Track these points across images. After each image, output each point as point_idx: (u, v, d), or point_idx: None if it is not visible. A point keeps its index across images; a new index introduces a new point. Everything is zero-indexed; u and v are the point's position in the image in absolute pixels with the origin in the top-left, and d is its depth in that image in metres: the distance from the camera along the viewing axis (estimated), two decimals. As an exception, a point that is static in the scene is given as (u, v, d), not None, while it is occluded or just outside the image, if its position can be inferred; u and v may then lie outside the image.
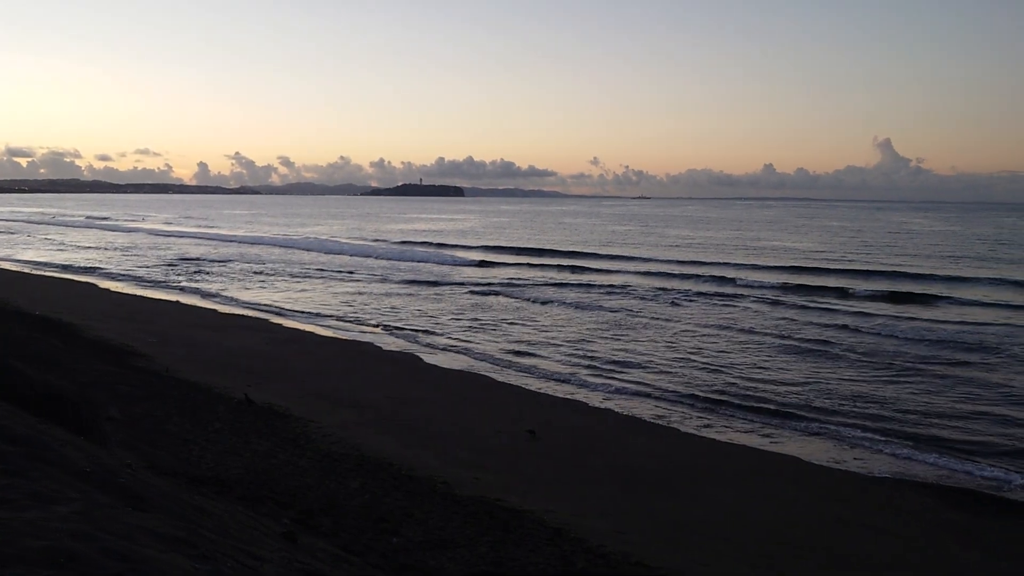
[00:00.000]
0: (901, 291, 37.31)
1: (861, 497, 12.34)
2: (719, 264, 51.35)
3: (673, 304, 33.69)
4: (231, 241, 72.29)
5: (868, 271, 46.67)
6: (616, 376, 20.35)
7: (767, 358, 22.41)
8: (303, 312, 30.35)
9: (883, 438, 15.45)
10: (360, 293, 36.38)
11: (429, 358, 21.98)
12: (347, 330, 26.58)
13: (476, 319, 29.15)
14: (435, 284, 40.37)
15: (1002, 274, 44.82)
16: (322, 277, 42.96)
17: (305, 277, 42.91)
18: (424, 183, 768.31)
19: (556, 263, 51.77)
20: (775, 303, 33.99)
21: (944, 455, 14.50)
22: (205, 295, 34.83)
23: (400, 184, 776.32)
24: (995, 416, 16.89)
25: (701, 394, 18.62)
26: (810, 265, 49.76)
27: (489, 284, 40.16)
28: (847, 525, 10.91)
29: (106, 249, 59.47)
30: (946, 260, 56.26)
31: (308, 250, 62.30)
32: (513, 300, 34.35)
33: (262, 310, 30.64)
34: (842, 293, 37.02)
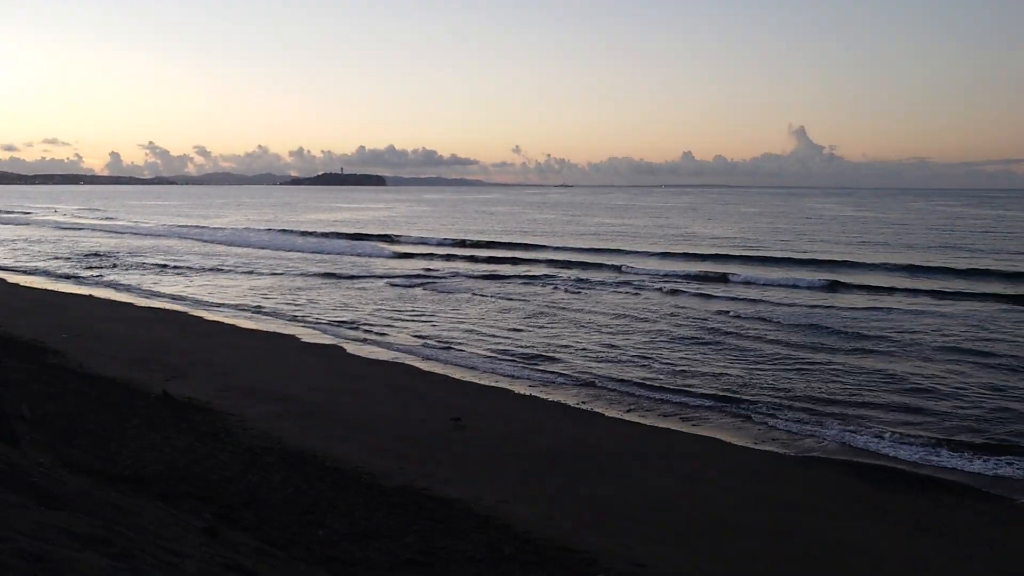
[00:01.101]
0: (814, 278, 38.18)
1: (781, 476, 12.67)
2: (640, 253, 51.95)
3: (574, 291, 34.02)
4: (146, 233, 70.46)
5: (782, 258, 47.57)
6: (539, 364, 20.49)
7: (682, 345, 22.80)
8: (222, 305, 29.79)
9: (800, 419, 15.88)
10: (280, 285, 35.85)
11: (353, 349, 21.79)
12: (268, 322, 26.17)
13: (399, 310, 29.01)
14: (357, 275, 39.95)
15: (911, 260, 46.35)
16: (241, 269, 42.19)
17: (224, 269, 42.10)
18: (345, 172, 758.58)
19: (478, 254, 51.32)
20: (695, 293, 34.44)
21: (857, 434, 14.97)
22: (120, 288, 33.94)
23: (321, 173, 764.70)
24: (902, 397, 17.48)
25: (623, 380, 18.86)
26: (723, 252, 50.54)
27: (412, 275, 39.95)
28: (767, 503, 11.18)
29: (14, 243, 57.33)
30: (856, 246, 57.86)
31: (226, 242, 61.02)
32: (436, 291, 34.21)
33: (180, 303, 30.00)
34: (752, 279, 37.64)
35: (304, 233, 69.01)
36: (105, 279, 37.16)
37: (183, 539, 5.75)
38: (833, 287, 34.78)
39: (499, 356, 21.38)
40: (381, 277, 38.94)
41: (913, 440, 14.53)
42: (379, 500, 9.31)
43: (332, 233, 68.88)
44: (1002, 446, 14.22)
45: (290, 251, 53.75)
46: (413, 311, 28.57)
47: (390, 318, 27.03)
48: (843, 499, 11.70)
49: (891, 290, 33.51)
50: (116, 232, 71.92)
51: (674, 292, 33.55)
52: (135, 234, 69.22)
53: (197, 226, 79.78)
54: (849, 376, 18.94)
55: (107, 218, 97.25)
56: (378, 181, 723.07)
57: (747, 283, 36.25)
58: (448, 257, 49.50)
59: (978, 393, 17.42)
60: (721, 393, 17.66)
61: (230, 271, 41.32)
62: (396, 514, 8.78)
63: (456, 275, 39.95)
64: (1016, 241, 61.04)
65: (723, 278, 37.80)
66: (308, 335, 23.76)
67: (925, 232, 71.57)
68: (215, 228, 76.32)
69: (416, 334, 24.24)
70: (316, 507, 8.73)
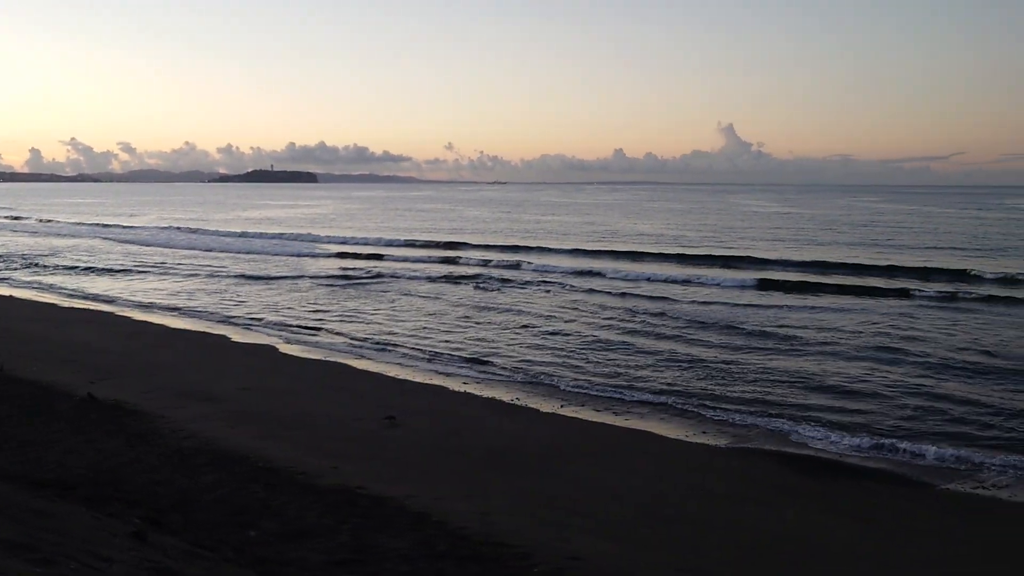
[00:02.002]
0: (744, 276, 38.88)
1: (714, 467, 12.89)
2: (567, 251, 52.30)
3: (492, 289, 34.08)
4: (68, 234, 68.47)
5: (711, 255, 48.29)
6: (473, 361, 20.51)
7: (612, 342, 23.00)
8: (150, 305, 29.22)
9: (731, 412, 16.16)
10: (210, 284, 35.24)
11: (285, 348, 21.55)
12: (198, 322, 25.72)
13: (332, 309, 28.77)
14: (288, 275, 39.46)
15: (836, 256, 47.48)
16: (169, 269, 41.39)
17: (151, 269, 41.24)
18: (275, 169, 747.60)
19: (410, 254, 50.82)
20: (622, 292, 34.77)
21: (787, 425, 15.31)
22: (42, 289, 32.99)
23: (250, 170, 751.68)
24: (829, 391, 17.89)
25: (556, 376, 18.98)
26: (653, 251, 51.12)
27: (343, 274, 39.59)
28: (702, 494, 11.36)
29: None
30: (783, 242, 59.07)
31: (153, 242, 59.64)
32: (367, 289, 33.97)
33: (105, 303, 29.30)
34: (678, 278, 37.99)
35: (234, 233, 67.56)
36: (26, 279, 36.11)
37: (110, 544, 5.63)
38: (762, 285, 35.28)
39: (432, 354, 21.34)
40: (312, 276, 38.49)
41: (841, 431, 14.90)
42: (312, 499, 9.22)
43: (262, 233, 67.27)
44: (924, 436, 14.66)
45: (220, 251, 52.65)
46: (345, 310, 28.35)
47: (323, 317, 26.79)
48: (775, 489, 11.94)
49: (817, 287, 34.04)
50: (36, 232, 69.85)
51: (602, 291, 33.74)
52: (57, 234, 67.23)
53: (122, 225, 77.89)
54: (777, 371, 19.31)
55: (22, 217, 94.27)
56: (309, 178, 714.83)
57: (681, 281, 36.31)
58: (380, 256, 48.92)
59: (900, 387, 17.89)
60: (653, 388, 17.88)
61: (158, 271, 40.50)
62: (330, 513, 8.70)
63: (388, 274, 39.61)
64: (933, 236, 62.97)
65: (648, 278, 37.91)
66: (239, 335, 23.41)
67: (851, 229, 73.39)
68: (141, 227, 74.64)
69: (349, 333, 24.06)
70: (248, 508, 8.61)
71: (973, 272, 36.89)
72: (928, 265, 40.55)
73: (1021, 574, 9.27)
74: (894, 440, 14.36)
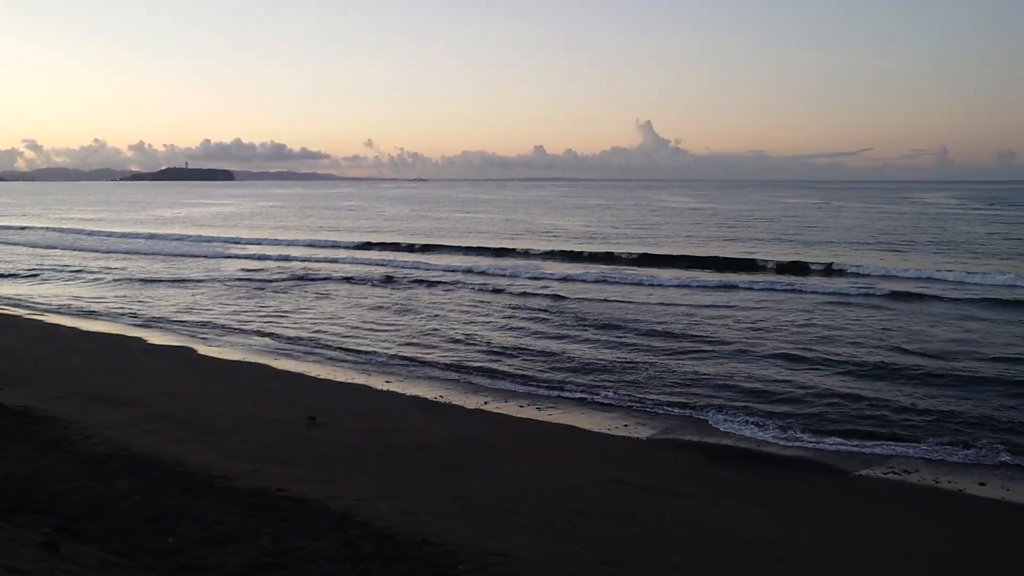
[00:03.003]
0: (668, 275, 39.38)
1: (636, 460, 13.06)
2: (502, 250, 52.41)
3: (408, 288, 34.02)
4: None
5: (631, 253, 48.86)
6: (394, 360, 20.43)
7: (531, 338, 23.21)
8: (61, 307, 28.29)
9: (651, 404, 16.44)
10: (124, 287, 34.33)
11: (203, 350, 21.11)
12: (111, 325, 25.01)
13: (249, 309, 28.32)
14: (204, 276, 38.66)
15: (751, 252, 48.41)
16: (79, 271, 40.18)
17: (60, 271, 39.95)
18: (190, 167, 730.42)
19: (328, 254, 49.84)
20: (539, 291, 35.01)
21: (706, 417, 15.62)
22: (-60, 292, 31.71)
23: (164, 168, 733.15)
24: (747, 383, 18.32)
25: (478, 373, 19.03)
26: (567, 248, 51.61)
27: (261, 274, 39.03)
28: (624, 487, 11.49)
29: None
30: (700, 239, 60.14)
31: (61, 244, 57.81)
32: (286, 290, 33.50)
33: (12, 306, 28.28)
34: (605, 275, 38.50)
35: (145, 235, 65.41)
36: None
37: (19, 555, 5.44)
38: (681, 280, 35.85)
39: (354, 353, 21.19)
40: (229, 277, 37.80)
41: (760, 421, 15.28)
42: (232, 503, 9.04)
43: (176, 234, 64.74)
44: (838, 425, 15.14)
45: (133, 252, 51.21)
46: (264, 311, 27.92)
47: (241, 318, 26.35)
48: (696, 479, 12.16)
49: (730, 286, 34.65)
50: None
51: (521, 290, 33.90)
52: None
53: (29, 227, 75.16)
54: (695, 364, 19.70)
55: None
56: (225, 176, 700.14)
57: (597, 280, 36.39)
58: (298, 256, 47.92)
59: (813, 379, 18.42)
60: (576, 383, 18.06)
61: (67, 273, 39.24)
62: (250, 517, 8.54)
63: (306, 274, 39.12)
64: (838, 232, 64.84)
65: (566, 277, 38.07)
66: (155, 337, 22.85)
67: (766, 223, 75.14)
68: (48, 228, 72.19)
69: (268, 333, 23.71)
70: (165, 514, 8.41)
71: (865, 271, 37.58)
72: (834, 259, 41.71)
73: (927, 554, 9.60)
74: (810, 429, 14.80)
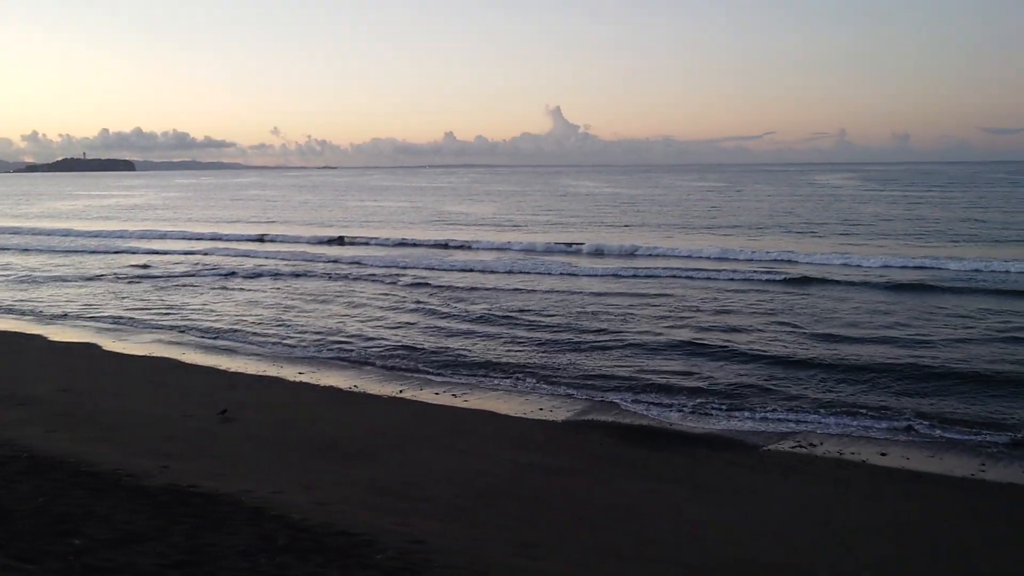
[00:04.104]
0: (581, 264, 39.62)
1: (550, 442, 13.20)
2: (411, 239, 52.11)
3: (316, 278, 33.74)
4: None
5: (548, 240, 49.10)
6: (306, 350, 20.20)
7: (445, 324, 23.29)
8: (-49, 305, 27.08)
9: (565, 387, 16.65)
10: (18, 283, 33.05)
11: (109, 346, 20.50)
12: (8, 321, 24.10)
13: (156, 304, 27.63)
14: (105, 270, 37.56)
15: (667, 237, 49.14)
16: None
17: (-49, 266, 38.25)
18: (88, 158, 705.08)
19: (231, 246, 48.42)
20: (443, 284, 34.99)
21: (618, 398, 15.88)
22: None
23: (60, 159, 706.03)
24: (657, 364, 18.70)
25: (391, 361, 18.97)
26: (477, 235, 51.63)
27: (165, 266, 38.10)
28: (540, 470, 11.62)
29: None
30: (607, 225, 60.87)
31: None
32: (192, 282, 32.78)
33: (-101, 306, 26.98)
34: (515, 264, 38.70)
35: (45, 231, 62.32)
36: None
37: (-86, 564, 5.21)
38: (590, 258, 36.14)
39: (265, 345, 20.87)
40: (132, 271, 36.71)
41: (670, 402, 15.62)
42: (142, 502, 8.82)
43: (73, 230, 61.28)
44: (748, 400, 15.62)
45: (29, 249, 49.03)
46: (169, 304, 27.26)
47: (147, 313, 25.69)
48: (608, 460, 12.37)
49: (637, 268, 35.19)
50: None
51: (432, 278, 33.86)
52: None
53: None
54: (604, 348, 19.98)
55: None
56: (126, 166, 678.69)
57: (506, 271, 35.76)
58: (203, 249, 46.52)
59: (720, 360, 18.86)
60: (491, 368, 18.14)
61: (-41, 268, 37.60)
62: (161, 515, 8.35)
63: (211, 266, 38.30)
64: (735, 216, 66.43)
65: (478, 266, 37.92)
66: (57, 334, 22.07)
67: (673, 207, 76.46)
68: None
69: (175, 327, 23.17)
70: (71, 515, 8.15)
71: (767, 255, 38.21)
72: (739, 242, 42.68)
73: (820, 520, 9.96)
74: (721, 408, 15.19)
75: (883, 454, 12.89)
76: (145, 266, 37.80)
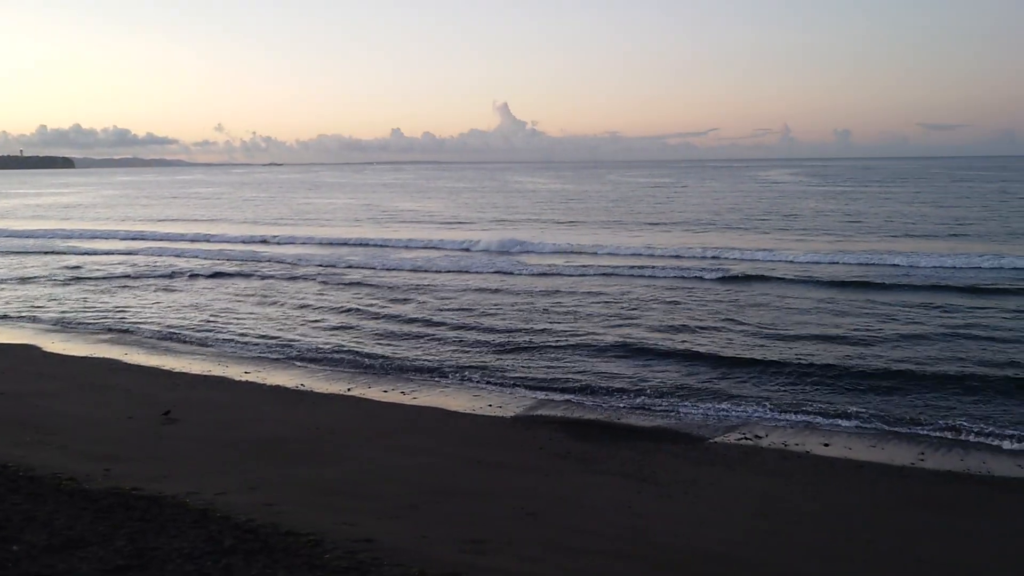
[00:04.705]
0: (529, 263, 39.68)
1: (498, 438, 13.26)
2: (353, 238, 51.80)
3: (259, 277, 33.46)
4: None
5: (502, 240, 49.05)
6: (254, 349, 20.02)
7: (392, 322, 23.26)
8: None
9: (509, 383, 16.77)
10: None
11: (49, 347, 20.07)
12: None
13: (98, 304, 27.12)
14: (43, 271, 36.70)
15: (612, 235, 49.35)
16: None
17: None
18: (26, 155, 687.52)
19: (173, 246, 47.12)
20: (397, 280, 34.88)
21: (568, 393, 16.00)
22: None
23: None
24: (598, 357, 18.87)
25: (337, 360, 18.89)
26: (421, 233, 51.43)
27: (107, 267, 37.37)
28: (486, 466, 11.65)
29: None
30: (554, 223, 61.12)
31: None
32: (133, 282, 32.24)
33: None
34: (466, 266, 38.67)
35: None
36: None
37: None
38: (535, 255, 36.19)
39: (210, 344, 20.60)
40: (71, 271, 35.93)
41: (619, 396, 15.78)
42: (84, 506, 8.68)
43: (10, 229, 59.36)
44: (695, 394, 15.86)
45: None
46: (111, 305, 26.79)
47: (88, 314, 25.21)
48: (557, 455, 12.44)
49: (585, 266, 35.40)
50: None
51: (379, 276, 33.71)
52: None
53: None
54: (551, 346, 20.08)
55: None
56: (66, 164, 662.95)
57: (455, 270, 35.46)
58: (146, 249, 45.46)
59: (666, 349, 19.16)
60: (436, 365, 18.14)
61: None
62: (103, 519, 8.22)
63: (155, 265, 37.76)
64: (680, 212, 67.15)
65: (422, 266, 38.09)
66: (-8, 336, 21.56)
67: (620, 203, 77.02)
68: None
69: (117, 328, 22.76)
70: (9, 522, 7.99)
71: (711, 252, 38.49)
72: (686, 240, 43.10)
73: (759, 510, 10.14)
74: (667, 400, 15.40)
75: (826, 444, 13.17)
76: (78, 267, 37.02)
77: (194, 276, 33.54)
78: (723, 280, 30.00)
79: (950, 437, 13.36)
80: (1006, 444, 13.04)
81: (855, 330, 20.89)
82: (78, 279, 32.81)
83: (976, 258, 32.95)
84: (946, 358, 17.90)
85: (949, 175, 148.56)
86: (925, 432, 13.63)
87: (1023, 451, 12.78)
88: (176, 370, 17.87)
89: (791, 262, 34.64)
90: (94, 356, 19.08)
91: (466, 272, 34.01)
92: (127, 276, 33.74)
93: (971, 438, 13.31)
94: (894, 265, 32.52)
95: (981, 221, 51.38)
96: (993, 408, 14.67)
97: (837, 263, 33.81)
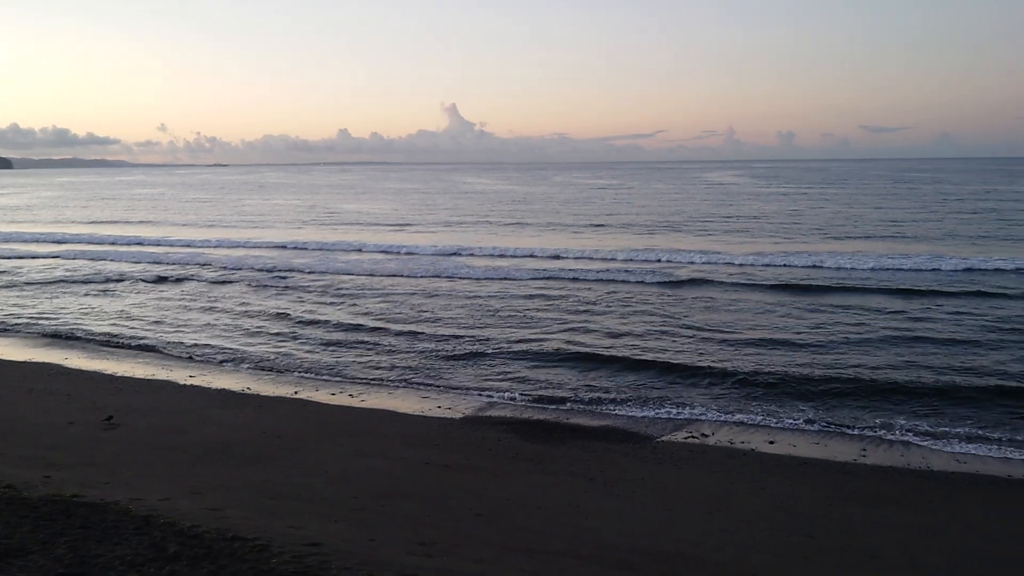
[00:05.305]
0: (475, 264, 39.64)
1: (447, 439, 13.24)
2: (296, 240, 51.31)
3: (204, 281, 33.11)
4: None
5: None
6: (198, 353, 19.73)
7: (341, 325, 23.17)
8: None
9: (459, 386, 16.77)
10: None
11: (-14, 352, 19.59)
12: None
13: (36, 307, 26.51)
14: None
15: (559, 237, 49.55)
16: None
17: None
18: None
19: (110, 249, 46.13)
20: (341, 283, 34.67)
21: (517, 392, 16.05)
22: None
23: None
24: (540, 360, 18.91)
25: (286, 362, 18.70)
26: (364, 237, 51.13)
27: (43, 270, 36.58)
28: (437, 467, 11.62)
29: None
30: (500, 226, 61.16)
31: None
32: (70, 285, 31.58)
33: None
34: (412, 271, 38.54)
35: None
36: None
37: None
38: (482, 259, 36.13)
39: (152, 350, 20.27)
40: (5, 275, 35.08)
41: (568, 396, 15.86)
42: (22, 514, 8.48)
43: None
44: (645, 394, 16.03)
45: None
46: (50, 308, 26.20)
47: (26, 317, 24.63)
48: (505, 456, 12.47)
49: (537, 270, 35.44)
50: None
51: (324, 281, 33.41)
52: None
53: None
54: (494, 348, 20.12)
55: None
56: (3, 165, 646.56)
57: (407, 276, 35.85)
58: (85, 252, 44.21)
59: (615, 358, 19.27)
60: (381, 369, 18.09)
61: None
62: (43, 527, 8.04)
63: (94, 269, 36.96)
64: (626, 216, 67.66)
65: (369, 270, 37.87)
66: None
67: (568, 205, 77.34)
68: None
69: (56, 333, 22.27)
70: (-56, 532, 7.78)
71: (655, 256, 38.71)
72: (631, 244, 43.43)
73: (721, 511, 10.27)
74: (616, 401, 15.53)
75: (771, 442, 13.39)
76: (14, 271, 36.10)
77: (135, 280, 32.92)
78: (668, 284, 30.07)
79: (890, 437, 13.65)
80: (943, 443, 13.37)
81: (798, 333, 21.23)
82: (14, 284, 32.04)
83: (915, 259, 33.73)
84: (885, 360, 18.26)
85: (890, 177, 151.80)
86: (866, 430, 13.94)
87: (962, 450, 13.11)
88: (119, 374, 17.55)
89: (736, 264, 35.04)
90: (33, 361, 18.67)
91: (412, 276, 33.64)
92: (65, 281, 32.99)
93: (910, 437, 13.63)
94: (836, 268, 33.01)
95: (919, 222, 52.56)
96: (932, 408, 15.02)
97: (781, 265, 34.25)
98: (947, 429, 13.88)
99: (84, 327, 22.83)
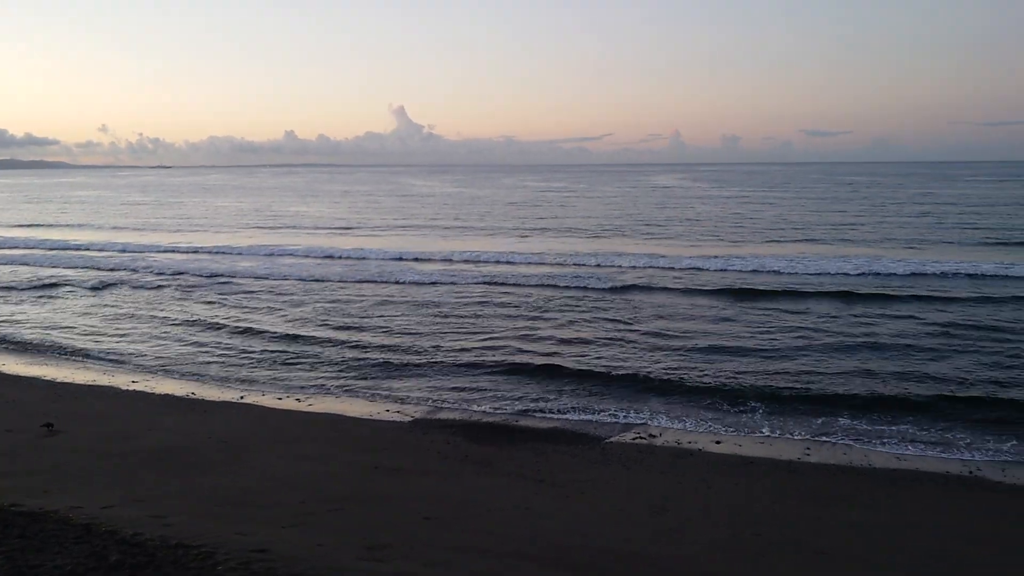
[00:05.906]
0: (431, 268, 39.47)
1: (396, 443, 13.16)
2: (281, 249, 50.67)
3: (149, 287, 32.63)
4: None
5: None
6: (140, 357, 19.36)
7: (287, 329, 23.01)
8: None
9: (408, 391, 16.69)
10: None
11: (-84, 359, 19.00)
12: None
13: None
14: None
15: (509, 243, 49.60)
16: None
17: None
18: None
19: (48, 253, 45.32)
20: (290, 287, 34.37)
21: (467, 395, 16.03)
22: None
23: None
24: (489, 358, 18.91)
25: (230, 366, 18.46)
26: (309, 240, 50.74)
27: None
28: (386, 471, 11.54)
29: None
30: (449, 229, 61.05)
31: None
32: (9, 293, 30.83)
33: None
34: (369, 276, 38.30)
35: None
36: None
37: None
38: (425, 263, 35.98)
39: (94, 355, 19.84)
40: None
41: (517, 398, 15.87)
42: (-43, 525, 8.23)
43: None
44: (595, 396, 16.14)
45: None
46: (-12, 311, 25.52)
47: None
48: (455, 458, 12.44)
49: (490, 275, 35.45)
50: None
51: (270, 284, 33.07)
52: None
53: None
54: (440, 354, 20.03)
55: None
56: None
57: (354, 281, 35.60)
58: (19, 257, 43.41)
59: (572, 355, 19.30)
60: (329, 373, 17.91)
61: None
62: (-21, 537, 7.82)
63: (32, 274, 36.12)
64: (572, 219, 67.97)
65: (315, 276, 37.51)
66: None
67: (515, 207, 77.50)
68: None
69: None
70: None
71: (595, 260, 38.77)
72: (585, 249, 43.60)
73: (668, 510, 10.35)
74: (564, 404, 15.58)
75: (718, 442, 13.55)
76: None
77: (73, 285, 32.17)
78: (614, 290, 30.02)
79: (832, 438, 13.88)
80: (883, 442, 13.63)
81: (742, 337, 21.46)
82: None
83: (855, 261, 34.42)
84: (829, 363, 18.57)
85: (830, 180, 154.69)
86: (810, 430, 14.17)
87: (902, 450, 13.37)
88: (59, 380, 17.15)
89: (681, 268, 35.16)
90: (-33, 367, 18.16)
91: (359, 280, 33.22)
92: None
93: (851, 438, 13.86)
94: (775, 272, 33.31)
95: (859, 225, 53.58)
96: (872, 409, 15.27)
97: (725, 270, 34.50)
98: (884, 428, 14.21)
99: (21, 333, 22.25)
